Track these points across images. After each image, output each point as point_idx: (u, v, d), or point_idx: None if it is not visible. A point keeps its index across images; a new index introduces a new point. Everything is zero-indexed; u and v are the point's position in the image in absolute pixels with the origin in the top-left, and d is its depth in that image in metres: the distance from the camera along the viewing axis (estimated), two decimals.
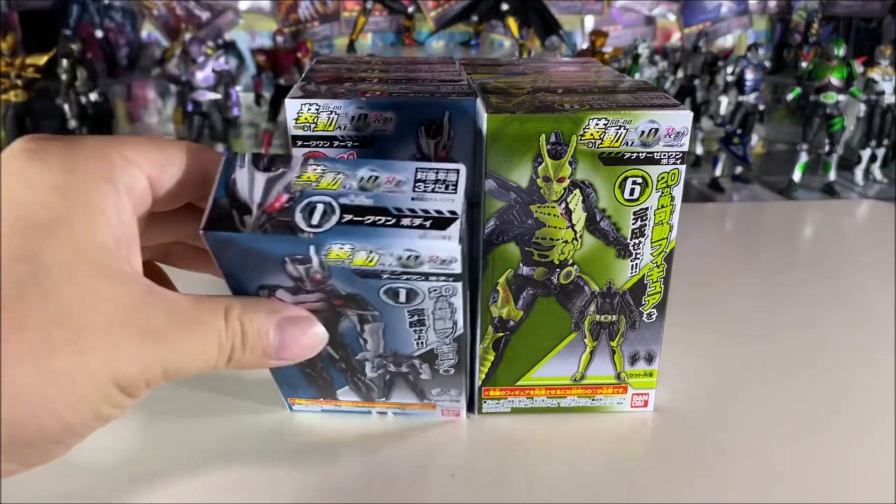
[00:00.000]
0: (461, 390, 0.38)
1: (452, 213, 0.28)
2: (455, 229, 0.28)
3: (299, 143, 0.38)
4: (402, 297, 0.30)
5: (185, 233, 0.31)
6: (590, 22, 4.64)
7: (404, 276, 0.29)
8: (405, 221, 0.28)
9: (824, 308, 0.57)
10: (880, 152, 2.14)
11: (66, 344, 0.22)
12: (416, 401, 0.39)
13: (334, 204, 0.28)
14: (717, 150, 1.95)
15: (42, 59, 1.29)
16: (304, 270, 0.29)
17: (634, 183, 0.36)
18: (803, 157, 1.78)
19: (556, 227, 0.36)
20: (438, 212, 0.28)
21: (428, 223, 0.28)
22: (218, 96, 1.35)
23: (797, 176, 1.89)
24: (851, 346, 0.51)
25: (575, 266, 0.37)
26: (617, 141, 0.35)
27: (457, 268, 0.29)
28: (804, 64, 1.83)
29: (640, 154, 0.35)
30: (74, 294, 0.22)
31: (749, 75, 1.95)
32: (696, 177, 1.66)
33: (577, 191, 0.36)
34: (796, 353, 0.50)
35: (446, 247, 0.28)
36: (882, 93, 1.97)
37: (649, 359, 0.41)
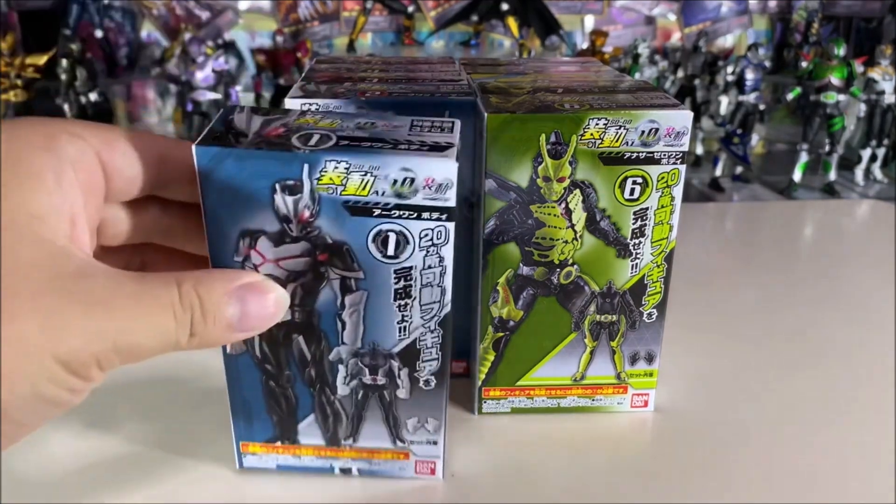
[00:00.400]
0: (440, 422, 0.33)
1: (449, 143, 0.27)
2: (453, 152, 0.27)
3: None
4: (391, 247, 0.28)
5: (155, 227, 0.29)
6: (590, 22, 4.64)
7: (396, 213, 0.28)
8: (402, 147, 0.27)
9: (824, 308, 0.57)
10: (881, 152, 2.14)
11: None
12: (388, 443, 0.34)
13: (331, 134, 0.28)
14: (717, 149, 1.95)
15: (42, 59, 1.29)
16: (293, 203, 0.27)
17: (634, 183, 0.36)
18: (803, 157, 1.78)
19: (556, 227, 0.36)
20: (435, 142, 0.28)
21: (425, 148, 0.27)
22: (218, 96, 1.35)
23: (797, 176, 1.89)
24: (851, 345, 0.51)
25: (575, 266, 0.37)
26: (617, 141, 0.35)
27: (451, 198, 0.27)
28: (804, 64, 1.83)
29: (641, 154, 0.35)
30: (0, 262, 0.20)
31: (749, 75, 1.95)
32: (697, 177, 1.66)
33: (578, 191, 0.35)
34: (796, 353, 0.50)
35: (443, 166, 0.27)
36: (882, 92, 1.97)
37: (649, 359, 0.41)
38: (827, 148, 1.88)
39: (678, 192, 0.36)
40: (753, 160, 1.85)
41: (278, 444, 0.34)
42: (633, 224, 0.37)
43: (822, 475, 0.38)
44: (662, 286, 0.39)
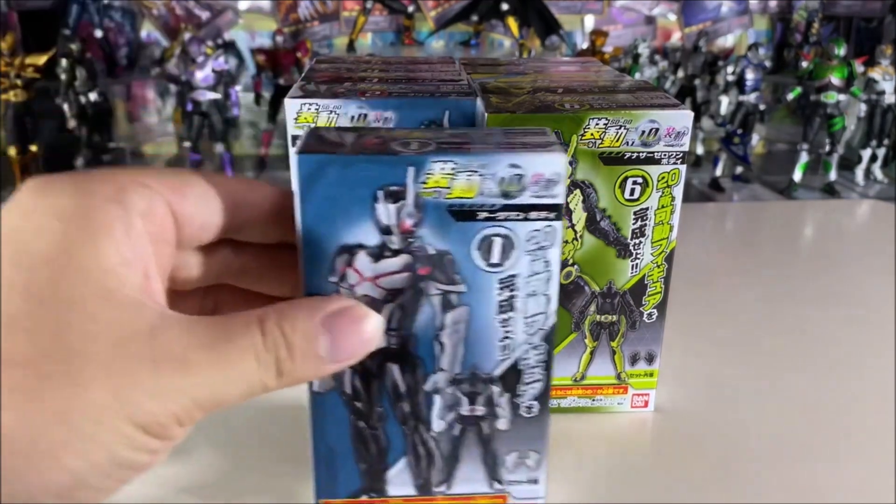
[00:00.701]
0: (542, 456, 0.30)
1: (549, 142, 0.27)
2: (559, 148, 0.26)
3: (299, 142, 0.38)
4: (496, 254, 0.27)
5: (227, 269, 0.28)
6: (590, 21, 4.64)
7: (502, 216, 0.26)
8: (504, 146, 0.26)
9: (824, 308, 0.57)
10: (881, 152, 2.13)
11: (60, 377, 0.19)
12: (485, 487, 0.31)
13: (430, 141, 0.27)
14: (717, 149, 1.95)
15: (41, 59, 1.29)
16: (396, 212, 0.26)
17: (635, 183, 0.36)
18: (804, 157, 1.78)
19: None
20: (536, 142, 0.27)
21: (529, 147, 0.26)
22: (217, 96, 1.35)
23: (797, 176, 1.89)
24: (851, 345, 0.51)
25: (575, 266, 0.37)
26: (617, 141, 0.35)
27: (560, 195, 0.26)
28: (805, 64, 1.83)
29: (641, 154, 0.35)
30: (71, 322, 0.20)
31: (749, 75, 1.95)
32: (697, 177, 1.66)
33: (578, 191, 0.35)
34: (796, 353, 0.50)
35: (552, 160, 0.26)
36: (882, 92, 1.97)
37: (650, 359, 0.41)
38: (827, 148, 1.88)
39: (678, 192, 0.36)
40: (753, 160, 1.85)
41: (364, 498, 0.31)
42: (634, 224, 0.37)
43: (822, 475, 0.37)
44: (663, 286, 0.38)
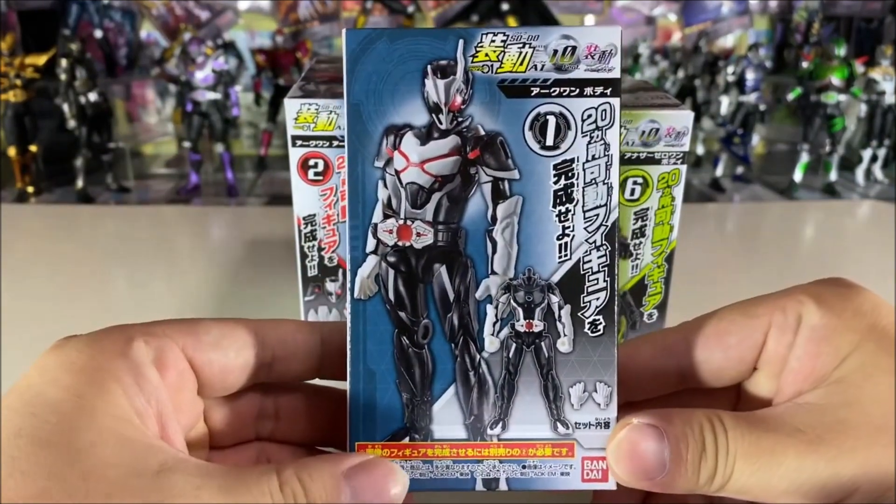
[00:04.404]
0: (612, 389, 0.26)
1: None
2: (615, 25, 0.26)
3: (298, 142, 0.38)
4: (551, 134, 0.26)
5: (266, 413, 0.28)
6: (590, 22, 4.64)
7: (556, 91, 0.26)
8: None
9: None
10: (881, 152, 2.13)
11: None
12: (547, 429, 0.27)
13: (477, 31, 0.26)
14: (717, 150, 1.95)
15: (41, 59, 1.29)
16: (445, 87, 0.25)
17: (635, 183, 0.36)
18: (804, 158, 1.77)
19: None
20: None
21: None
22: (217, 96, 1.35)
23: (798, 176, 1.89)
24: None
25: None
26: None
27: (616, 68, 0.25)
28: (805, 64, 1.83)
29: (641, 154, 0.35)
30: (75, 463, 0.19)
31: (750, 75, 1.94)
32: (697, 177, 1.66)
33: None
34: None
35: (607, 32, 0.25)
36: (883, 93, 1.96)
37: None
38: (828, 148, 1.88)
39: (679, 192, 0.36)
40: (754, 160, 1.84)
41: (407, 440, 0.27)
42: (634, 224, 0.36)
43: None
44: (663, 287, 0.38)
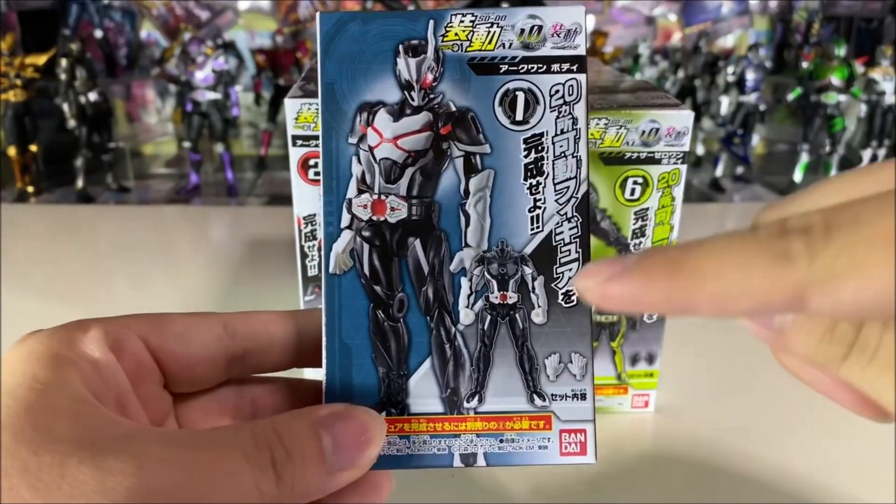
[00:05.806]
0: (587, 360, 0.27)
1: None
2: (580, 3, 0.27)
3: (299, 142, 0.38)
4: (520, 109, 0.26)
5: (242, 410, 0.27)
6: (590, 22, 4.63)
7: (524, 68, 0.26)
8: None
9: None
10: (881, 153, 2.14)
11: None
12: (523, 401, 0.26)
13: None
14: (717, 150, 1.95)
15: (41, 59, 1.29)
16: (416, 66, 0.26)
17: (635, 183, 0.36)
18: (804, 158, 1.78)
19: None
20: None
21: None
22: (217, 96, 1.35)
23: (798, 176, 1.90)
24: None
25: None
26: (618, 141, 0.34)
27: (581, 45, 0.26)
28: (805, 64, 1.83)
29: (641, 154, 0.35)
30: (33, 437, 0.19)
31: (750, 75, 1.95)
32: (697, 177, 1.66)
33: None
34: None
35: (571, 11, 0.26)
36: (883, 93, 1.97)
37: (650, 359, 0.40)
38: (828, 148, 1.88)
39: (679, 192, 0.36)
40: (754, 161, 1.84)
41: (384, 415, 0.26)
42: (634, 224, 0.37)
43: (822, 475, 0.37)
44: None
